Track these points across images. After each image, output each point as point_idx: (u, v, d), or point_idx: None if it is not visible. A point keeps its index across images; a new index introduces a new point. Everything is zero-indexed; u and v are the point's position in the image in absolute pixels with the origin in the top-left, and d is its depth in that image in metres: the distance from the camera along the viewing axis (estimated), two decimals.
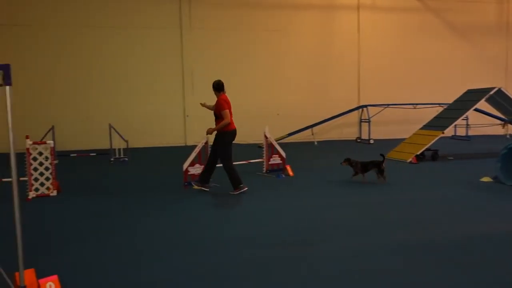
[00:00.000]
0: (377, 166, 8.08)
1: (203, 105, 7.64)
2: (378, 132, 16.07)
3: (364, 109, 15.91)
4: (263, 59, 15.77)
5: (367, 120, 15.51)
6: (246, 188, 7.20)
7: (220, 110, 7.06)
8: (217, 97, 7.21)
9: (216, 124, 7.18)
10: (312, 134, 15.37)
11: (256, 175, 8.92)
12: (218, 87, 7.19)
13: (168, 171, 9.58)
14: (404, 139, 12.00)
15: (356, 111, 16.40)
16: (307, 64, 16.24)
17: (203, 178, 7.40)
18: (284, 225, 5.41)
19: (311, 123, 15.42)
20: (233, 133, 7.22)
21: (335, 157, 11.71)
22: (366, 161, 8.27)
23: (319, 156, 12.09)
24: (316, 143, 15.14)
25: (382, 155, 8.21)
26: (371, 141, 15.17)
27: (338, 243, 4.73)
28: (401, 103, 15.80)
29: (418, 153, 10.57)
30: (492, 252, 4.40)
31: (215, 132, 7.21)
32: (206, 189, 7.36)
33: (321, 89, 16.43)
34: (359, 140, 16.12)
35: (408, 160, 10.45)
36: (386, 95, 16.34)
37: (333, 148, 14.10)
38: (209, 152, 7.50)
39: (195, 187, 7.47)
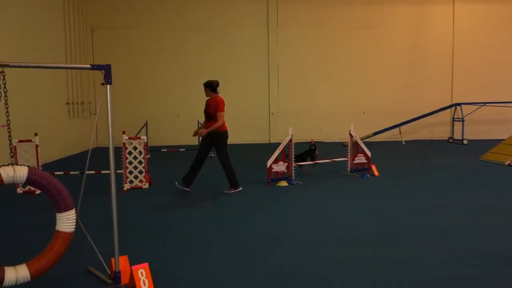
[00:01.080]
0: (310, 154, 8.47)
1: (199, 133, 7.27)
2: (473, 132, 15.03)
3: (458, 107, 14.97)
4: (350, 56, 15.43)
5: (461, 119, 14.58)
6: (241, 188, 7.37)
7: (217, 111, 6.92)
8: (212, 97, 7.06)
9: (206, 125, 7.08)
10: (400, 133, 14.78)
11: (340, 174, 8.78)
12: (214, 87, 7.05)
13: (252, 167, 9.74)
14: (502, 140, 11.12)
15: (448, 110, 15.47)
16: (396, 60, 15.62)
17: (189, 179, 7.22)
18: (370, 226, 5.27)
19: (399, 122, 14.84)
20: (227, 133, 7.26)
21: (424, 158, 11.19)
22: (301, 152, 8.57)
23: (406, 156, 11.60)
24: (403, 142, 14.54)
25: (313, 144, 8.61)
26: (465, 142, 14.24)
27: (428, 247, 4.51)
28: (500, 101, 14.64)
29: None
30: None
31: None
32: (188, 189, 7.24)
33: (410, 86, 15.72)
34: (451, 140, 15.20)
35: (507, 163, 9.67)
36: (482, 92, 15.23)
37: (422, 148, 13.45)
38: (220, 152, 7.30)
39: (178, 186, 7.29)
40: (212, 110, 6.94)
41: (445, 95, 15.72)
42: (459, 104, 14.83)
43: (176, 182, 7.39)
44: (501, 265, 4.02)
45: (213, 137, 7.02)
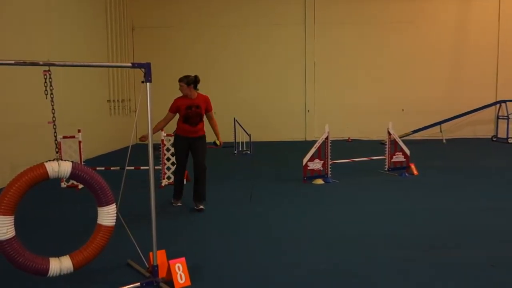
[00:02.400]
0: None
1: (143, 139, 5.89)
2: None
3: (503, 104, 14.41)
4: (389, 52, 15.13)
5: (506, 117, 14.03)
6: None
7: (211, 110, 6.08)
8: (195, 95, 5.89)
9: (195, 128, 5.95)
10: (441, 131, 14.37)
11: (378, 172, 8.63)
12: (196, 83, 5.86)
13: (288, 165, 9.73)
14: None
15: (492, 107, 14.91)
16: (438, 56, 15.18)
17: (179, 192, 6.31)
18: (410, 227, 5.17)
19: (440, 120, 14.43)
20: None
21: (465, 157, 10.86)
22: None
23: (447, 155, 11.28)
24: (444, 141, 14.14)
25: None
26: (510, 140, 13.70)
27: (472, 250, 4.38)
28: None
29: None
30: None
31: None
32: (180, 204, 6.31)
33: (452, 83, 15.26)
34: (495, 139, 14.66)
35: None
36: None
37: (464, 146, 13.05)
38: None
39: (174, 204, 6.33)
40: (203, 110, 5.95)
41: (489, 92, 15.16)
42: (504, 101, 14.27)
43: (172, 200, 6.38)
44: None
45: (201, 140, 6.06)
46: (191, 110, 5.83)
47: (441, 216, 5.57)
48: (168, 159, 7.72)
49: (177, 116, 5.95)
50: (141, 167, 7.89)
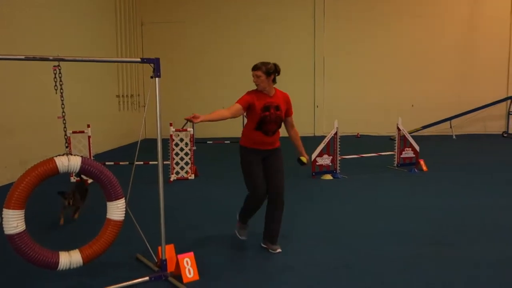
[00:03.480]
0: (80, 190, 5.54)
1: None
2: None
3: None
4: (399, 47, 14.99)
5: None
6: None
7: (291, 114, 4.41)
8: (274, 91, 4.21)
9: (277, 137, 4.30)
10: (451, 127, 14.25)
11: (387, 168, 8.59)
12: (277, 74, 4.19)
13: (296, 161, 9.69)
14: None
15: (503, 103, 14.74)
16: (448, 51, 15.02)
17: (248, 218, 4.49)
18: (419, 223, 5.14)
19: (450, 115, 14.30)
20: None
21: (475, 153, 10.76)
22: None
23: (457, 151, 11.19)
24: (454, 136, 14.02)
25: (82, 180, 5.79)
26: None
27: (483, 247, 4.35)
28: None
29: None
30: None
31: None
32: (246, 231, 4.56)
33: (462, 78, 15.10)
34: (505, 135, 14.51)
35: None
36: None
37: (474, 142, 12.93)
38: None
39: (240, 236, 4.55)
40: (284, 114, 4.26)
41: (500, 87, 14.98)
42: None
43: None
44: None
45: (278, 154, 4.38)
46: (269, 113, 4.09)
47: (451, 213, 5.53)
48: (177, 154, 7.74)
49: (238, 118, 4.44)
50: (150, 162, 7.93)
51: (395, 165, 8.67)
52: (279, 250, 4.25)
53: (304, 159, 4.53)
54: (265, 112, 4.06)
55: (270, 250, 4.26)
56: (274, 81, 4.15)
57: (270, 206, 4.24)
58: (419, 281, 3.55)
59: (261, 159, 4.21)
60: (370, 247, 4.34)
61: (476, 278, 3.60)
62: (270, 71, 4.05)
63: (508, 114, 14.75)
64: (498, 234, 4.71)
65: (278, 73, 4.16)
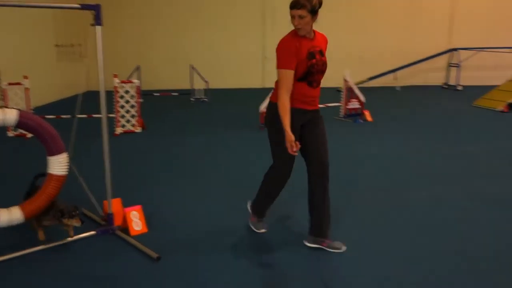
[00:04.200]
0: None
1: None
2: (468, 78, 14.94)
3: (454, 52, 14.79)
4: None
5: (457, 65, 14.45)
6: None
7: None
8: (313, 33, 3.33)
9: (316, 91, 3.32)
10: (395, 79, 14.66)
11: (333, 119, 8.78)
12: (318, 9, 3.22)
13: (245, 112, 9.70)
14: (496, 86, 11.09)
15: (445, 55, 15.27)
16: (395, 3, 15.18)
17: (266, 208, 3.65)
18: (363, 171, 5.35)
19: (395, 67, 14.68)
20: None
21: (417, 103, 11.19)
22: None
23: (401, 102, 11.58)
24: (398, 88, 14.46)
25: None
26: (459, 87, 14.20)
27: (421, 190, 4.61)
28: (497, 46, 14.43)
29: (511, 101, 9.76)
30: None
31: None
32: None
33: (407, 30, 15.39)
34: (445, 86, 15.15)
35: (498, 109, 9.71)
36: (480, 38, 14.97)
37: (416, 94, 13.41)
38: None
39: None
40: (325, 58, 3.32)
41: (442, 40, 15.44)
42: (456, 49, 14.64)
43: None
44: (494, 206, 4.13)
45: (320, 116, 3.45)
46: (315, 60, 3.20)
47: (393, 160, 5.79)
48: (122, 107, 7.51)
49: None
50: (94, 115, 7.67)
51: (341, 116, 8.88)
52: (344, 248, 3.29)
53: None
54: (312, 60, 3.16)
55: (332, 250, 3.28)
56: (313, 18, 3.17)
57: (317, 184, 3.29)
58: (369, 225, 3.74)
59: (300, 126, 3.24)
60: None
61: (418, 218, 3.83)
62: (315, 8, 3.13)
63: (449, 66, 15.33)
64: (434, 178, 4.99)
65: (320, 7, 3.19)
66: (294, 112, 3.11)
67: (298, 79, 3.14)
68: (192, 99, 11.75)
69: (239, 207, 4.09)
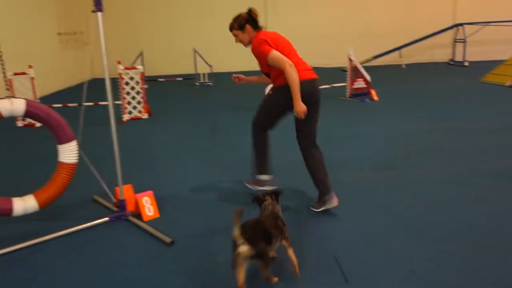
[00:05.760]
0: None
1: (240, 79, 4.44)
2: (475, 54, 14.75)
3: (460, 28, 14.59)
4: None
5: (463, 40, 14.27)
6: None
7: (267, 60, 3.68)
8: (248, 39, 3.80)
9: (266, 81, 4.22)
10: (400, 57, 14.51)
11: (339, 99, 8.74)
12: (243, 24, 3.72)
13: (249, 95, 9.67)
14: (504, 60, 10.96)
15: (450, 31, 15.06)
16: None
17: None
18: (371, 150, 5.34)
19: (399, 45, 14.50)
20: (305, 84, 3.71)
21: (424, 81, 11.10)
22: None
23: (407, 80, 11.49)
24: (404, 66, 14.33)
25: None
26: (466, 63, 14.04)
27: (430, 166, 4.60)
28: (504, 20, 14.20)
29: None
30: None
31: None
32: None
33: (410, 6, 15.18)
34: (452, 63, 14.98)
35: (507, 84, 9.61)
36: (486, 12, 14.72)
37: (423, 71, 13.29)
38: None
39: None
40: (265, 64, 3.77)
41: (447, 15, 15.20)
42: (461, 24, 14.44)
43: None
44: (502, 181, 4.13)
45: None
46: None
47: (400, 138, 5.77)
48: (128, 93, 7.52)
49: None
50: (100, 103, 7.69)
51: (347, 96, 8.83)
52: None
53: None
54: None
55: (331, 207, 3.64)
56: (256, 28, 3.73)
57: (315, 152, 3.86)
58: (373, 202, 3.75)
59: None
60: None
61: (424, 195, 3.84)
62: (241, 23, 3.69)
63: (454, 41, 15.14)
64: (443, 155, 4.98)
65: (254, 19, 3.71)
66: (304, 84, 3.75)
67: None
68: (196, 83, 11.73)
69: (249, 189, 4.11)
